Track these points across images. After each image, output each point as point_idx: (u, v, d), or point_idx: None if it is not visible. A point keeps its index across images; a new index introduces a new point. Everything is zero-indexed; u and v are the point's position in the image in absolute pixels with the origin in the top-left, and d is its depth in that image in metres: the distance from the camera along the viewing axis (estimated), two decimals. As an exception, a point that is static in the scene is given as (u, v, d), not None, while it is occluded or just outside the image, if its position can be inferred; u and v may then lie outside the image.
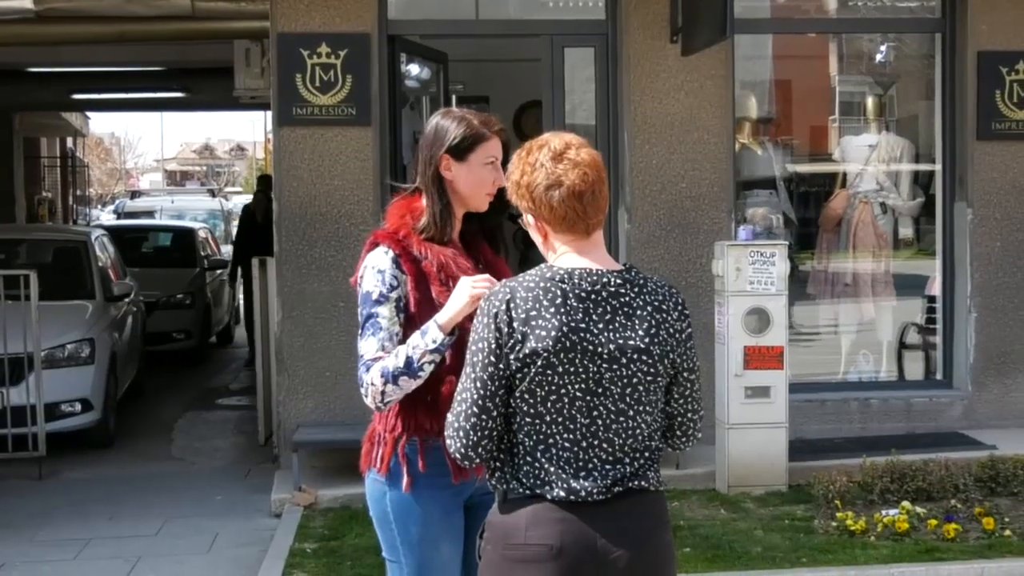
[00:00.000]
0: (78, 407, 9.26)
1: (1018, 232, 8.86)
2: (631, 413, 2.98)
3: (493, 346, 2.94)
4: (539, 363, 2.91)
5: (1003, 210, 8.84)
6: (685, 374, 3.08)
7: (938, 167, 9.18)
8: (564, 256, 3.03)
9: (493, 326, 2.94)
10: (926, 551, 6.36)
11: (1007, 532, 6.59)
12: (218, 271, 15.65)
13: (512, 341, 2.92)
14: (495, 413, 2.96)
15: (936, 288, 9.18)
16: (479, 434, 2.97)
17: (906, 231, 9.57)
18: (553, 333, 2.91)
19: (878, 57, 10.23)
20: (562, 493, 2.94)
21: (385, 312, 3.44)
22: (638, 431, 2.99)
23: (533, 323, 2.91)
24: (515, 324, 2.92)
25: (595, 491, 2.94)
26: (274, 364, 8.63)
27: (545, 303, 2.93)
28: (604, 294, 2.97)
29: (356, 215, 8.24)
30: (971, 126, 8.80)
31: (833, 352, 9.62)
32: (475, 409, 2.96)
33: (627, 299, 2.99)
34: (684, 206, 8.55)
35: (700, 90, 8.54)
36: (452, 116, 3.59)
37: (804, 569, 6.18)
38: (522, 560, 2.95)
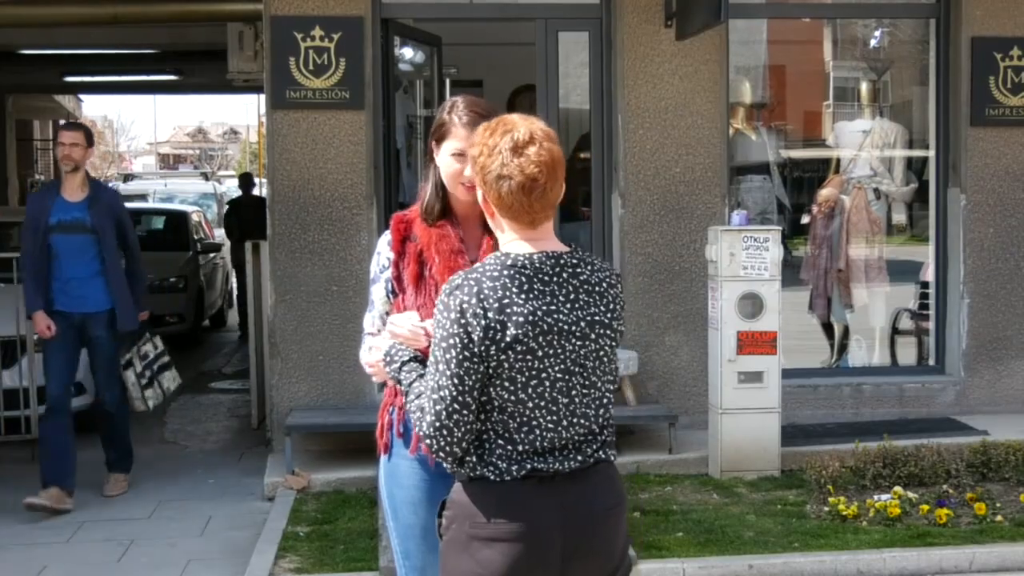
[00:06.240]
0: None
1: (1011, 218, 8.87)
2: (599, 384, 3.07)
3: (466, 340, 2.92)
4: (519, 349, 2.93)
5: (996, 196, 8.85)
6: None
7: (932, 153, 9.18)
8: (514, 243, 3.05)
9: (463, 320, 2.93)
10: (918, 536, 6.39)
11: (998, 517, 6.62)
12: (211, 254, 15.62)
13: (491, 332, 2.92)
14: (474, 407, 2.97)
15: (929, 274, 9.19)
16: (462, 430, 2.97)
17: (899, 217, 9.57)
18: (530, 318, 2.94)
19: (872, 43, 10.23)
20: (540, 467, 2.98)
21: (376, 291, 3.67)
22: (604, 400, 3.09)
23: (508, 311, 2.93)
24: (490, 314, 2.92)
25: (567, 466, 3.00)
26: (267, 348, 8.64)
27: (514, 290, 2.95)
28: (565, 275, 3.02)
29: (349, 199, 8.23)
30: (965, 112, 8.80)
31: (826, 337, 9.64)
32: (456, 406, 2.94)
33: (584, 277, 3.05)
34: (678, 191, 8.55)
35: (694, 75, 8.53)
36: (446, 103, 3.64)
37: (796, 554, 6.19)
38: (489, 539, 2.97)
